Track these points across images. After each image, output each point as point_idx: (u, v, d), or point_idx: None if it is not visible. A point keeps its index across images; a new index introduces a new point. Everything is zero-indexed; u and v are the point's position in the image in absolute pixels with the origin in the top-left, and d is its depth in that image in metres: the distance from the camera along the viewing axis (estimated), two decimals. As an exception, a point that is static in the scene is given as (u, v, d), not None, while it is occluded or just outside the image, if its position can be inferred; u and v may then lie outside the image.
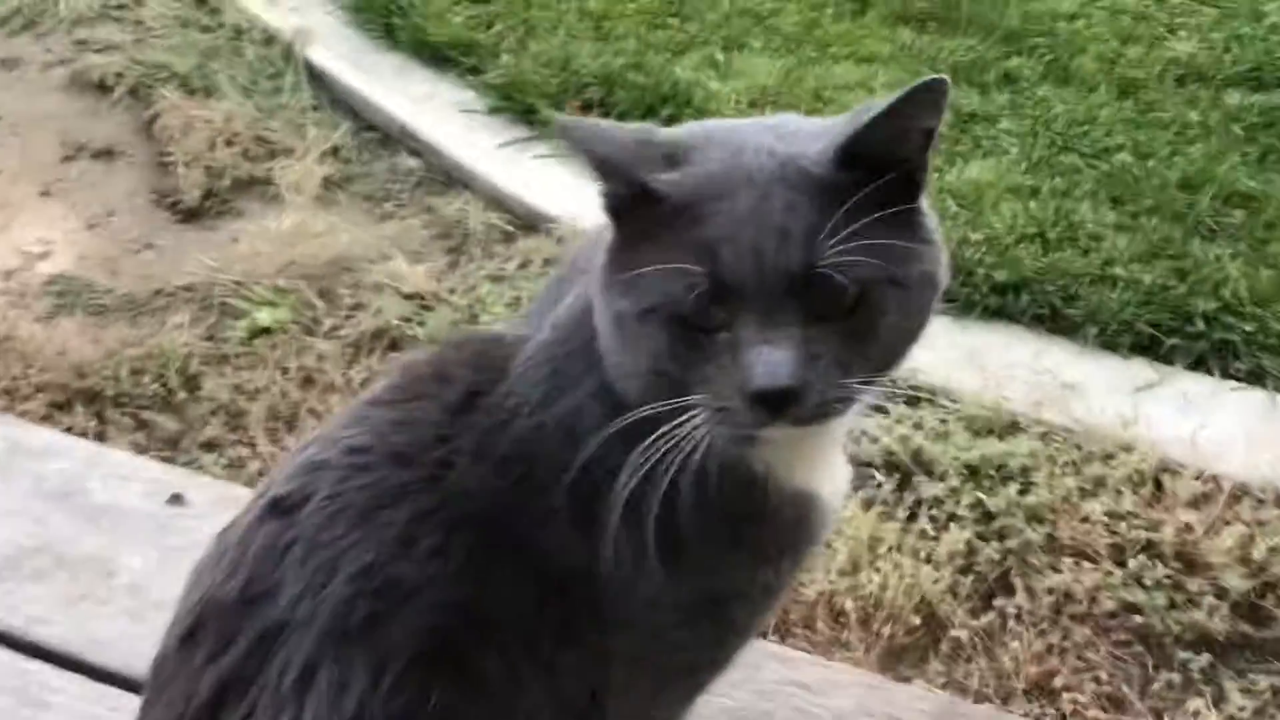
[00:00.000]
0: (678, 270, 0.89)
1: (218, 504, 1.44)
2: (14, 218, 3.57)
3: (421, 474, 0.99)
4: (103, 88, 4.05)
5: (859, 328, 0.91)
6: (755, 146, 0.94)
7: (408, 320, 3.07)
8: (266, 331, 3.07)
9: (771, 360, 0.87)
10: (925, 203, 0.97)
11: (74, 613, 1.39)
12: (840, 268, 0.89)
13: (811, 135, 0.95)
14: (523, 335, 1.05)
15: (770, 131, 0.96)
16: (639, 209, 0.93)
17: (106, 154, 3.81)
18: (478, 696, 0.98)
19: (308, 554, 0.97)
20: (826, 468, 1.05)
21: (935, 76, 0.93)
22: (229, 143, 3.70)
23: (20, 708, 1.29)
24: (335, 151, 3.72)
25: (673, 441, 0.91)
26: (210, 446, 2.75)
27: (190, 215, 3.55)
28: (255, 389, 2.87)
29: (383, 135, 3.81)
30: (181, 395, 2.88)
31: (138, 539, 1.45)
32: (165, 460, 2.54)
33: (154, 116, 3.88)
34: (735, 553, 1.02)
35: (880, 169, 0.92)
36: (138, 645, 1.16)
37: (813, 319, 0.90)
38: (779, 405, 0.88)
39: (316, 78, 3.99)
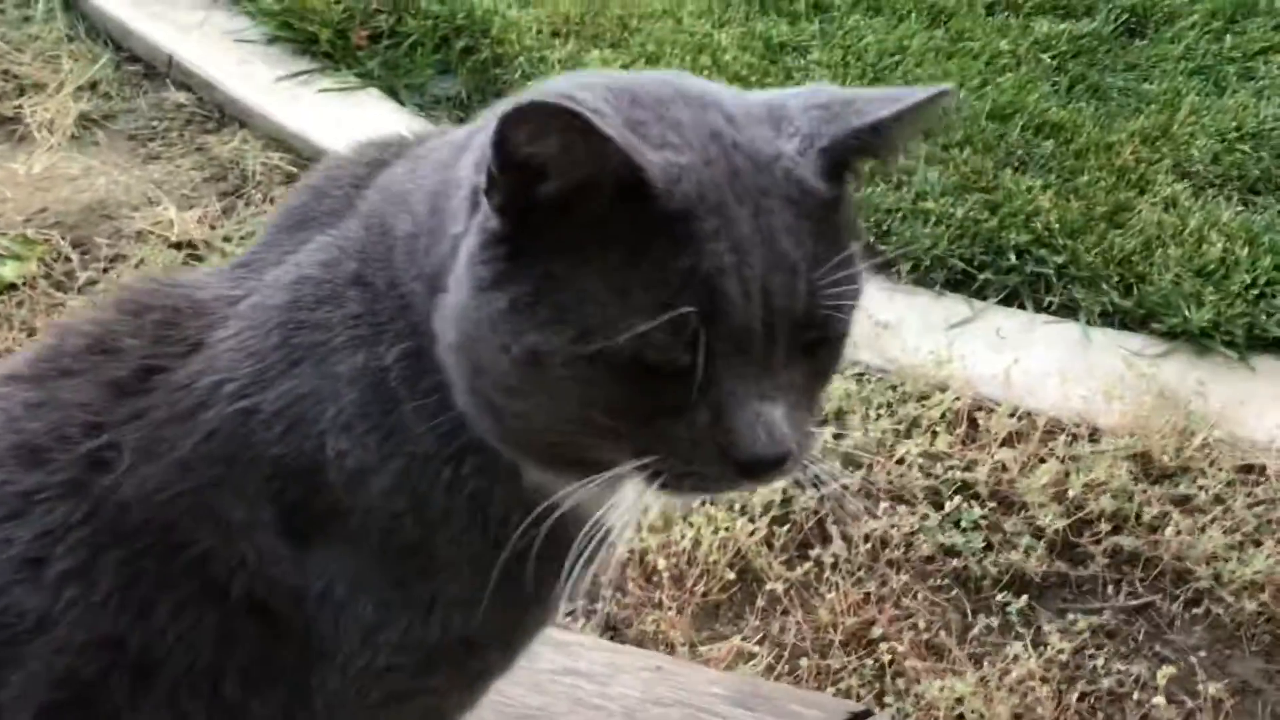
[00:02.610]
0: (658, 306, 0.68)
1: None
2: None
3: (59, 477, 0.76)
4: None
5: (826, 364, 0.77)
6: (710, 131, 0.73)
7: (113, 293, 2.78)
8: (11, 288, 2.74)
9: (770, 421, 0.71)
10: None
11: None
12: (836, 308, 0.73)
13: (763, 119, 0.75)
14: (231, 295, 0.82)
15: (702, 106, 0.75)
16: (577, 205, 0.70)
17: None
18: None
19: None
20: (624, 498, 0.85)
21: (944, 87, 0.78)
22: (-31, 77, 3.31)
23: None
24: (93, 86, 3.37)
25: (591, 503, 0.75)
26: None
27: (-77, 159, 3.16)
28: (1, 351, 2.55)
29: (147, 68, 3.47)
30: (-92, 362, 2.54)
31: None
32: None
33: (-119, 49, 3.45)
34: (507, 592, 0.82)
35: (847, 176, 0.76)
36: None
37: (795, 365, 0.74)
38: (769, 472, 0.73)
39: (72, 5, 3.62)
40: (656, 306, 0.68)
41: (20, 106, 3.28)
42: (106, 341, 0.81)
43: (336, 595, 0.78)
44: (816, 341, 0.74)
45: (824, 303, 0.72)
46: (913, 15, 3.57)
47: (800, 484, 0.77)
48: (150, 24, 3.52)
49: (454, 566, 0.79)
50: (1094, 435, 2.52)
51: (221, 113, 3.33)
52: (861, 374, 2.61)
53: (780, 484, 0.76)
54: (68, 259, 2.83)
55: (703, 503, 0.80)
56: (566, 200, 0.70)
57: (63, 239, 2.88)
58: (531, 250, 0.71)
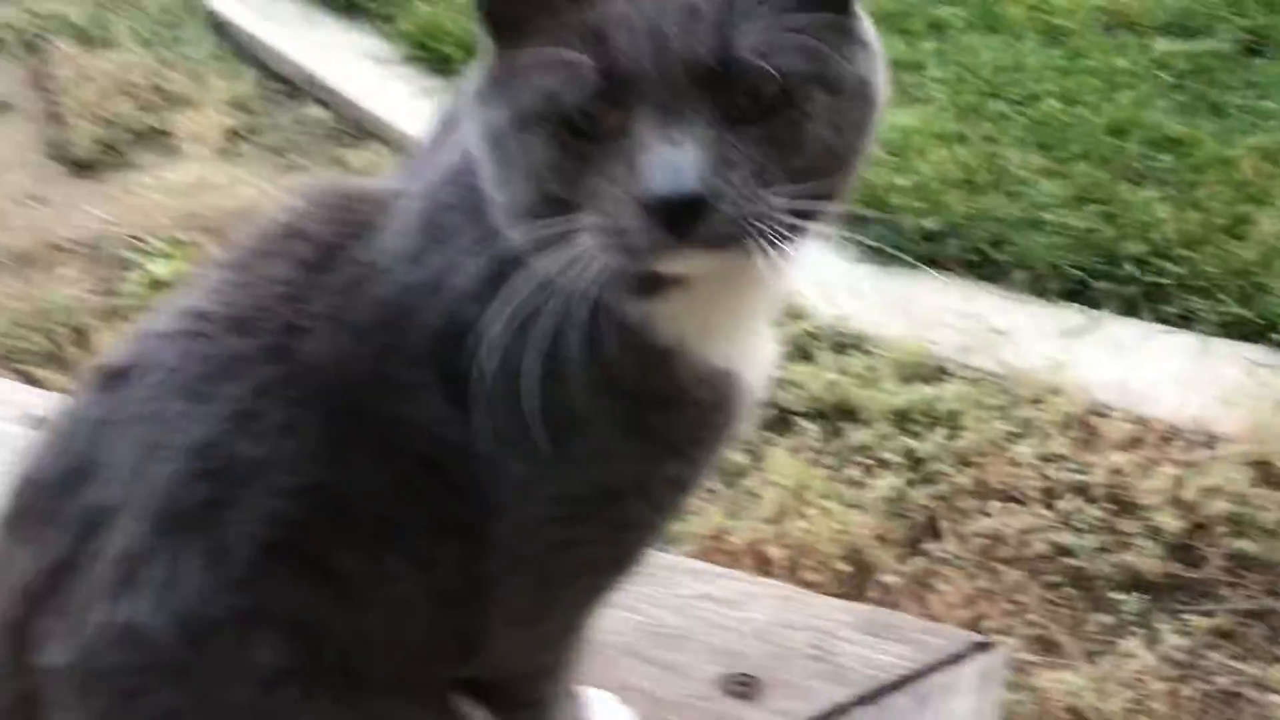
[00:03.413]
0: (560, 62, 0.74)
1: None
2: (-107, 171, 3.38)
3: (265, 342, 0.85)
4: (-7, 40, 3.88)
5: (781, 134, 0.75)
6: None
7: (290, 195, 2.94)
8: (163, 285, 2.91)
9: (673, 160, 0.71)
10: (859, 7, 0.81)
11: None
12: (760, 55, 0.73)
13: None
14: (395, 189, 0.91)
15: None
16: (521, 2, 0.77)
17: (-4, 107, 3.63)
18: (338, 593, 0.86)
19: (138, 429, 0.84)
20: (749, 340, 0.89)
21: None
22: (126, 94, 3.55)
23: None
24: (240, 102, 3.58)
25: (556, 275, 0.76)
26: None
27: (84, 168, 3.39)
28: (150, 342, 2.72)
29: (290, 86, 3.67)
30: (71, 350, 2.72)
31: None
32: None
33: (47, 68, 3.70)
34: (634, 441, 0.87)
35: None
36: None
37: (725, 121, 0.73)
38: (685, 218, 0.72)
39: (220, 27, 3.84)
40: (561, 63, 0.74)
41: (171, 121, 3.49)
42: (296, 227, 0.90)
43: (496, 455, 0.84)
44: (766, 102, 0.74)
45: (742, 49, 0.72)
46: (1029, 34, 3.61)
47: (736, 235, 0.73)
48: (293, 45, 3.73)
49: (585, 419, 0.84)
50: (1211, 442, 2.51)
51: (359, 128, 3.50)
52: (975, 378, 2.64)
53: (721, 246, 0.74)
54: (215, 260, 3.00)
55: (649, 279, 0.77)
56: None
57: (209, 242, 3.05)
58: (498, 47, 0.79)
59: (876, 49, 0.81)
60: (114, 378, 0.87)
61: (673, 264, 0.76)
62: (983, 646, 1.13)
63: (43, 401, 1.42)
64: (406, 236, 0.86)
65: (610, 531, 0.92)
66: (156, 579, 0.82)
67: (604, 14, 0.74)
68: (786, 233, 0.75)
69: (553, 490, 0.87)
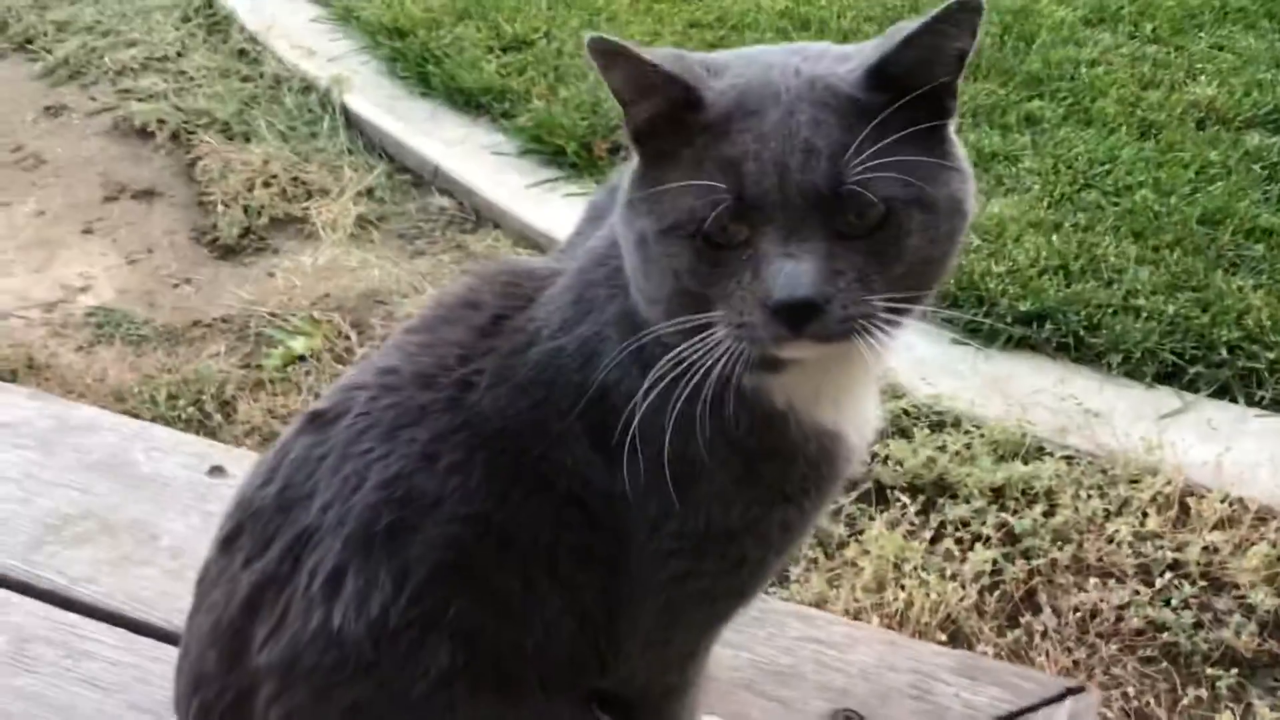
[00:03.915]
0: (702, 186, 0.90)
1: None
2: (56, 254, 3.66)
3: (443, 395, 1.02)
4: (145, 134, 4.19)
5: (884, 247, 0.90)
6: (783, 66, 0.95)
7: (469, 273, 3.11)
8: (300, 359, 3.13)
9: (793, 272, 0.87)
10: (954, 130, 0.97)
11: (116, 573, 1.42)
12: (867, 185, 0.88)
13: (839, 57, 0.96)
14: (554, 267, 1.09)
15: (797, 54, 0.97)
16: (667, 127, 0.94)
17: (147, 195, 3.92)
18: (497, 608, 1.01)
19: (339, 464, 1.01)
20: (853, 404, 1.04)
21: None
22: (266, 184, 3.80)
23: (63, 658, 1.32)
24: (370, 192, 3.82)
25: (693, 357, 0.91)
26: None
27: (228, 252, 3.64)
28: (288, 412, 2.92)
29: (416, 177, 3.90)
30: (217, 419, 2.93)
31: (179, 506, 1.49)
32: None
33: (194, 160, 4.00)
34: (751, 489, 1.02)
35: (910, 90, 0.91)
36: (177, 603, 1.19)
37: (836, 237, 0.89)
38: (800, 318, 0.88)
39: (353, 123, 4.10)
40: (701, 187, 0.89)
41: (307, 208, 3.74)
42: (471, 298, 1.08)
43: (632, 496, 1.00)
44: (872, 222, 0.89)
45: (853, 178, 0.87)
46: (1123, 128, 3.71)
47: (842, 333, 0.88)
48: (419, 139, 3.97)
49: (708, 469, 0.99)
50: (1305, 523, 2.55)
51: (478, 215, 3.72)
52: (1071, 457, 2.72)
53: (830, 340, 0.89)
54: (346, 337, 3.21)
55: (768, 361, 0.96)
56: (653, 121, 0.94)
57: (343, 320, 3.27)
58: (644, 165, 0.95)
59: (966, 169, 0.97)
60: (321, 420, 1.04)
61: (790, 352, 0.92)
62: (1075, 691, 1.23)
63: (214, 452, 1.61)
64: (560, 309, 1.04)
65: (728, 567, 1.06)
66: (353, 591, 0.98)
67: (737, 147, 0.91)
68: (885, 326, 0.91)
69: (677, 527, 1.02)
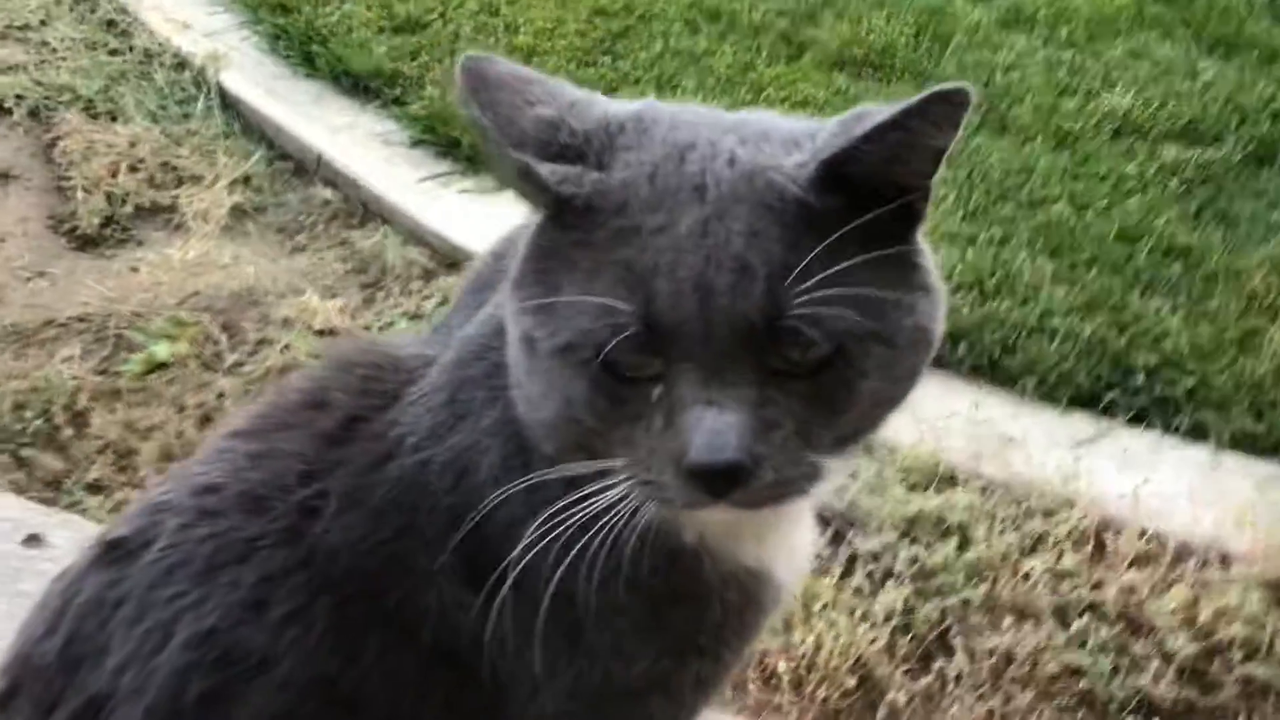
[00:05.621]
0: (599, 305, 0.71)
1: (84, 546, 1.25)
2: (-107, 241, 3.34)
3: (278, 524, 0.82)
4: (1, 109, 3.85)
5: (830, 391, 0.74)
6: (710, 147, 0.75)
7: (318, 357, 2.89)
8: (164, 366, 2.88)
9: (715, 429, 0.69)
10: (921, 239, 0.80)
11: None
12: (813, 320, 0.70)
13: (785, 141, 0.77)
14: (425, 355, 0.88)
15: (732, 131, 0.77)
16: (558, 212, 0.74)
17: (1, 178, 3.60)
18: None
19: (139, 612, 0.80)
20: (780, 538, 0.87)
21: (956, 85, 0.74)
22: (133, 168, 3.53)
23: None
24: (246, 180, 3.56)
25: (585, 512, 0.73)
26: (95, 488, 2.52)
27: (88, 243, 3.36)
28: (148, 427, 2.67)
29: (297, 165, 3.65)
30: (67, 432, 2.67)
31: (-17, 584, 1.27)
32: (46, 502, 2.33)
33: (54, 140, 3.69)
34: (657, 640, 0.85)
35: (873, 194, 0.74)
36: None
37: (771, 375, 0.71)
38: (722, 485, 0.71)
39: (229, 105, 3.84)
40: (599, 307, 0.71)
41: (177, 197, 3.47)
42: (319, 395, 0.87)
43: (510, 644, 0.81)
44: (816, 360, 0.72)
45: (796, 309, 0.70)
46: (1039, 137, 3.62)
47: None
48: (302, 124, 3.72)
49: (605, 615, 0.82)
50: (1225, 561, 2.47)
51: (365, 209, 3.48)
52: (985, 487, 2.60)
53: (759, 506, 0.72)
54: (216, 341, 2.96)
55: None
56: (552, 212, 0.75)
57: (213, 322, 3.02)
58: (537, 250, 0.76)
59: (936, 287, 0.79)
60: (117, 551, 0.83)
61: (709, 515, 0.75)
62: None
63: (34, 518, 1.38)
64: (430, 411, 0.84)
65: None
66: None
67: (646, 255, 0.71)
68: (824, 478, 0.75)
69: (569, 685, 0.84)
